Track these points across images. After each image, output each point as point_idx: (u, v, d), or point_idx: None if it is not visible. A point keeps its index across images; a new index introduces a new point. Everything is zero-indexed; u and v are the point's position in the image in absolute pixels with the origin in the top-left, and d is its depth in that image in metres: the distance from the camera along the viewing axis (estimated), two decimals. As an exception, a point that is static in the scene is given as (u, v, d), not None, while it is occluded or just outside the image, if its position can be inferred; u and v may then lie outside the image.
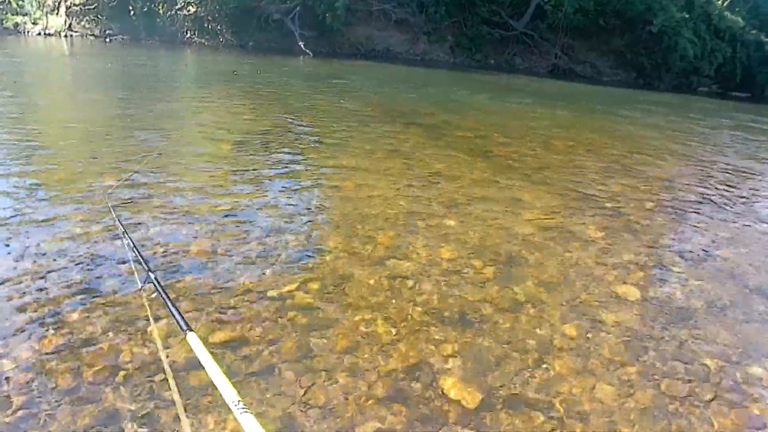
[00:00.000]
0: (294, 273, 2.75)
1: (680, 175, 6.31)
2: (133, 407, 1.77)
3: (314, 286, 2.64)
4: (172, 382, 1.86)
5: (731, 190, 5.71)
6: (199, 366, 1.49)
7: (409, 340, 2.28)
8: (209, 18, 19.73)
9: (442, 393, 1.98)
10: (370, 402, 1.89)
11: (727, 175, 6.52)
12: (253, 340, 2.16)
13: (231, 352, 2.07)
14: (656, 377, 2.22)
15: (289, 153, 5.18)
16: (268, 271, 2.73)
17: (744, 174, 6.78)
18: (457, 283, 2.80)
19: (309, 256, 2.96)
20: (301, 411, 1.82)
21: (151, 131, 5.51)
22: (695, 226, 4.30)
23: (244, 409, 1.21)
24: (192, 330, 1.68)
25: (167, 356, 2.02)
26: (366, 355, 2.14)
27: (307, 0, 19.94)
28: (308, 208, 3.70)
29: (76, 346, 2.04)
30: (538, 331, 2.44)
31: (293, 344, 2.17)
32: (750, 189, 6.01)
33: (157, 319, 2.22)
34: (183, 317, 1.78)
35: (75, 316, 2.23)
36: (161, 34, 19.40)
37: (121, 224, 2.77)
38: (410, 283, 2.77)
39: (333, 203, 3.93)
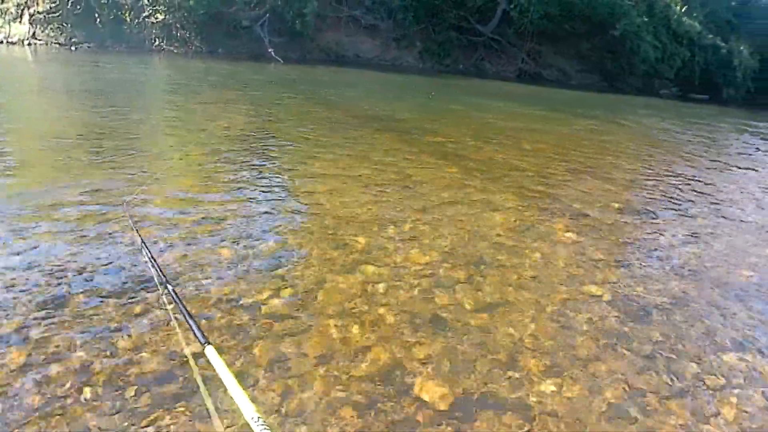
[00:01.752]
0: (267, 281, 2.72)
1: (645, 175, 6.49)
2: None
3: (287, 293, 2.62)
4: (189, 395, 1.85)
5: (695, 189, 5.90)
6: (217, 379, 1.46)
7: (383, 344, 2.28)
8: (178, 25, 19.44)
9: (416, 396, 1.98)
10: (344, 408, 1.88)
11: (691, 174, 6.74)
12: (227, 348, 2.13)
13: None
14: (625, 374, 2.27)
15: (260, 160, 5.13)
16: (240, 280, 2.69)
17: (706, 174, 7.02)
18: (430, 287, 2.82)
19: (282, 264, 2.94)
20: (275, 419, 1.80)
21: (118, 140, 5.39)
22: (661, 225, 4.42)
23: (264, 426, 1.19)
24: (210, 343, 1.64)
25: (184, 370, 1.98)
26: (340, 361, 2.14)
27: (277, 6, 19.84)
28: (281, 215, 3.67)
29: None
30: (509, 331, 2.47)
31: (266, 352, 2.14)
32: (712, 188, 6.21)
33: (174, 332, 2.18)
34: (201, 330, 1.74)
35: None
36: (129, 41, 19.02)
37: (140, 236, 2.74)
38: (383, 287, 2.77)
39: (305, 210, 3.91)
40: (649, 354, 2.44)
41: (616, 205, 4.76)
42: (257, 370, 2.03)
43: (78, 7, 18.77)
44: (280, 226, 3.48)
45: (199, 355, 1.97)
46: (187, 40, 19.76)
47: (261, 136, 6.26)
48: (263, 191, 4.14)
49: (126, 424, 1.73)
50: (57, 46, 18.71)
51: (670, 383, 2.24)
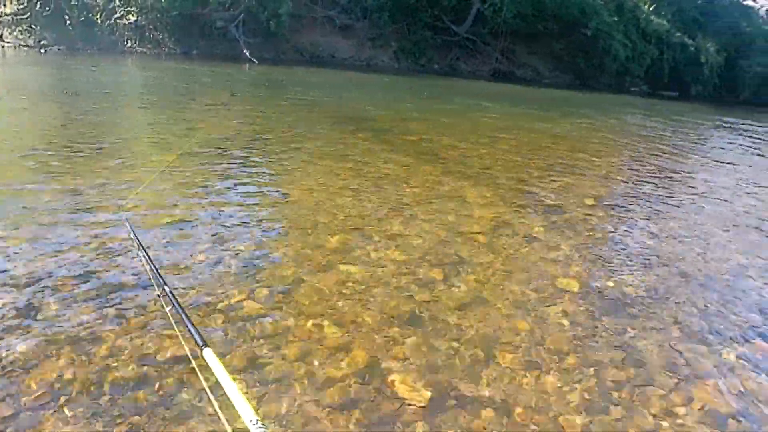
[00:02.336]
0: (244, 282, 2.70)
1: (617, 171, 6.62)
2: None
3: (264, 294, 2.61)
4: (186, 398, 1.84)
5: (665, 183, 6.05)
6: (215, 382, 1.46)
7: (361, 343, 2.29)
8: (151, 26, 19.09)
9: (394, 394, 1.99)
10: (322, 408, 1.88)
11: (661, 169, 6.90)
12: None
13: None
14: (598, 366, 2.31)
15: (236, 161, 5.08)
16: (216, 282, 2.67)
17: (676, 168, 7.19)
18: (407, 285, 2.84)
19: (259, 265, 2.92)
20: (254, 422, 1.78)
21: (89, 143, 5.28)
22: (632, 219, 4.52)
23: (262, 428, 1.19)
24: (208, 346, 1.64)
25: (182, 372, 1.97)
26: (318, 362, 2.13)
27: (251, 7, 19.65)
28: (258, 217, 3.65)
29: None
30: (485, 327, 2.51)
31: (244, 355, 2.13)
32: (682, 182, 6.38)
33: (171, 334, 2.16)
34: (199, 333, 1.73)
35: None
36: (100, 43, 18.59)
37: (137, 238, 2.69)
38: (360, 287, 2.78)
39: (282, 210, 3.89)
40: (621, 345, 2.49)
41: (589, 201, 4.85)
42: (235, 372, 2.01)
43: (47, 8, 18.29)
44: (257, 227, 3.46)
45: (196, 358, 1.93)
46: (161, 41, 19.42)
47: (236, 138, 6.21)
48: (239, 193, 4.10)
49: (122, 427, 1.72)
50: (26, 48, 18.21)
51: (642, 374, 2.30)
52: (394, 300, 2.67)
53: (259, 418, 1.23)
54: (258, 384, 1.97)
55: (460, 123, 9.60)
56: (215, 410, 1.78)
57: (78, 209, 3.42)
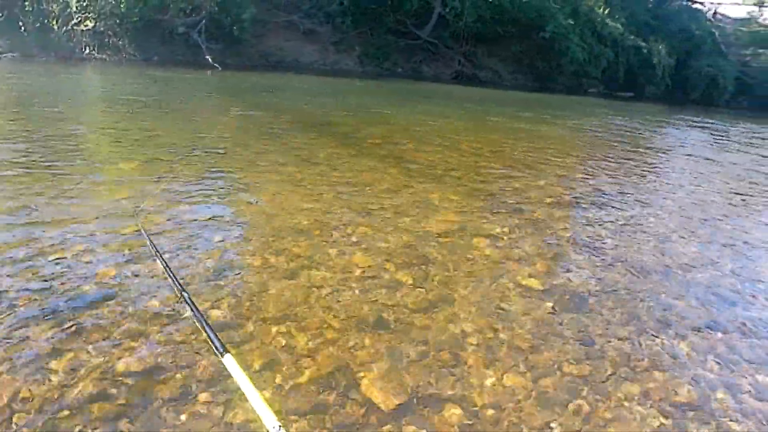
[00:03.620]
0: (207, 292, 2.66)
1: (577, 169, 6.81)
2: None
3: (228, 303, 2.58)
4: (207, 406, 1.86)
5: (622, 181, 6.25)
6: (236, 389, 1.45)
7: (327, 349, 2.28)
8: (110, 33, 18.53)
9: (362, 399, 2.00)
10: (290, 415, 1.87)
11: (618, 167, 7.13)
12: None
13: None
14: (560, 362, 2.37)
15: (198, 169, 4.99)
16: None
17: (632, 166, 7.44)
18: (373, 289, 2.85)
19: (222, 274, 2.88)
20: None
21: (43, 154, 5.10)
22: (591, 217, 4.66)
23: None
24: (229, 352, 1.63)
25: (202, 379, 1.99)
26: (284, 369, 2.12)
27: (214, 12, 19.33)
28: (221, 224, 3.60)
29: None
30: (451, 328, 2.54)
31: (208, 366, 2.10)
32: (638, 179, 6.60)
33: (190, 339, 2.21)
34: (219, 338, 1.73)
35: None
36: (57, 50, 17.93)
37: (153, 244, 2.77)
38: (326, 292, 2.78)
39: (246, 217, 3.85)
40: (582, 341, 2.57)
41: (549, 200, 4.97)
42: (199, 384, 1.98)
43: (0, 14, 17.57)
44: (220, 235, 3.41)
45: (217, 364, 1.99)
46: (120, 48, 18.88)
47: (199, 145, 6.10)
48: (202, 200, 4.03)
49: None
50: (-23, 55, 17.43)
51: (602, 368, 2.37)
52: (360, 304, 2.68)
53: (281, 425, 1.22)
54: (223, 395, 1.94)
55: (424, 126, 9.69)
56: (237, 416, 1.83)
57: (25, 223, 3.30)
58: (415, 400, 2.02)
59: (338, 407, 1.94)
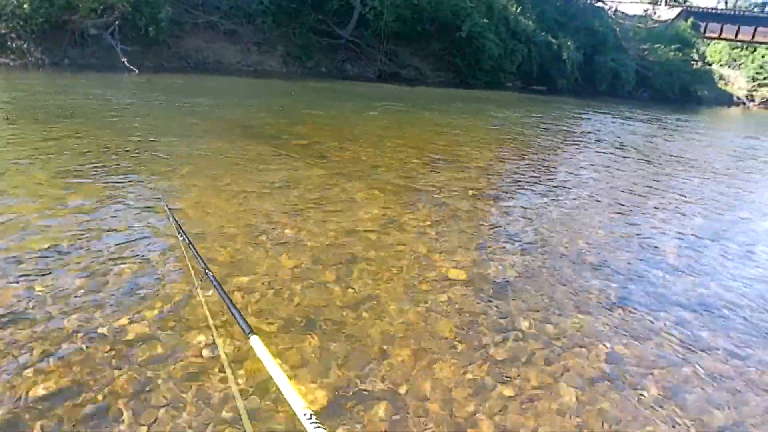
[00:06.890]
0: (127, 305, 2.54)
1: (496, 162, 7.09)
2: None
3: (150, 314, 2.47)
4: (234, 387, 1.95)
5: (539, 171, 6.58)
6: (262, 370, 1.58)
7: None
8: (13, 35, 17.01)
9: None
10: (218, 427, 1.83)
11: (535, 158, 7.49)
12: (87, 384, 1.97)
13: (61, 401, 1.87)
14: (485, 348, 2.48)
15: (117, 176, 4.70)
16: (96, 307, 2.48)
17: (549, 156, 7.85)
18: (301, 290, 2.83)
19: (143, 285, 2.75)
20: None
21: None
22: (510, 207, 4.87)
23: (315, 422, 1.14)
24: (255, 333, 1.67)
25: (229, 361, 2.10)
26: (210, 380, 2.07)
27: (127, 13, 18.25)
28: (142, 234, 3.43)
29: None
30: (379, 323, 2.58)
31: (130, 381, 2.01)
32: (555, 169, 6.97)
33: (215, 321, 2.33)
34: (245, 320, 1.76)
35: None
36: (-47, 55, 16.26)
37: (178, 224, 2.83)
38: (254, 297, 2.73)
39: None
40: (506, 326, 2.69)
41: (471, 192, 5.15)
42: (120, 400, 1.90)
43: None
44: (140, 245, 3.25)
45: (243, 345, 2.10)
46: (26, 51, 17.40)
47: (115, 152, 5.75)
48: (120, 211, 3.82)
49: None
50: None
51: (525, 351, 2.50)
52: (288, 307, 2.66)
53: (306, 404, 1.22)
54: (145, 407, 1.88)
55: (349, 124, 9.71)
56: (263, 399, 1.95)
57: None
58: (344, 398, 2.04)
59: (268, 413, 1.92)
